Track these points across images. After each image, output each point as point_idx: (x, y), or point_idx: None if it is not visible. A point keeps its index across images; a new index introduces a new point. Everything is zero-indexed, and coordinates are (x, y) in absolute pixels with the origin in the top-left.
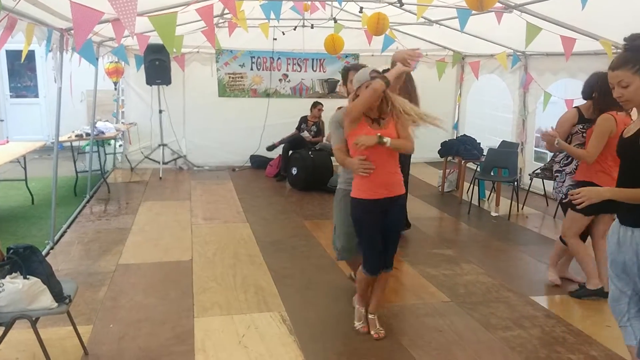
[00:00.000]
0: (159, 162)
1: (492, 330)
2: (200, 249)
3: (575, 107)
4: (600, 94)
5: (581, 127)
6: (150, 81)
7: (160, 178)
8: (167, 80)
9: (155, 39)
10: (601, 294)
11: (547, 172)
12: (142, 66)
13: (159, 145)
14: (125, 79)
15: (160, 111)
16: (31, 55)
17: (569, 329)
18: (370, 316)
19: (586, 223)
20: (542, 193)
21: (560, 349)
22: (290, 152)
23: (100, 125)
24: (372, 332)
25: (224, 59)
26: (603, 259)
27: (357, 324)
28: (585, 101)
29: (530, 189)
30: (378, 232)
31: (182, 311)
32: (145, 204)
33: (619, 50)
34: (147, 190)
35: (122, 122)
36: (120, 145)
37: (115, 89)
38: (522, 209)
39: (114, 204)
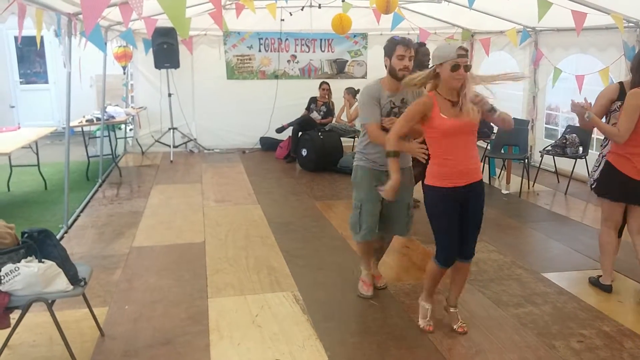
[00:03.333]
0: (169, 146)
1: (503, 307)
2: (212, 230)
3: (619, 81)
4: (634, 68)
5: (620, 103)
6: (158, 65)
7: (171, 161)
8: (175, 64)
9: (162, 22)
10: (608, 290)
11: (557, 149)
12: (151, 50)
13: (169, 129)
14: (134, 63)
15: (170, 95)
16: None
17: (580, 305)
18: (452, 310)
19: (617, 211)
20: (553, 170)
21: (572, 325)
22: (300, 133)
23: (110, 109)
24: (455, 327)
25: (231, 41)
26: None
27: (423, 322)
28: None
29: (541, 166)
30: (456, 222)
31: (196, 292)
32: (156, 187)
33: (630, 24)
34: (159, 174)
35: (132, 107)
36: (130, 130)
37: (124, 73)
38: (533, 186)
39: (126, 188)
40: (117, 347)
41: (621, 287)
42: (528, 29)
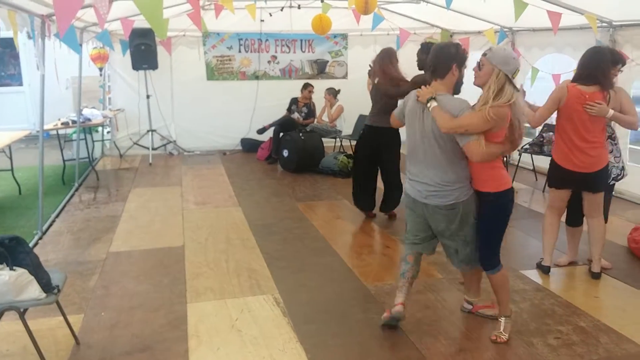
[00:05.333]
0: (148, 148)
1: None
2: (192, 234)
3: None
4: (579, 64)
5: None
6: (136, 66)
7: (150, 164)
8: (153, 65)
9: (139, 23)
10: (546, 271)
11: (535, 147)
12: (128, 51)
13: (148, 131)
14: (111, 64)
15: (148, 96)
16: (13, 42)
17: (557, 301)
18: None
19: (559, 199)
20: (531, 168)
21: (549, 321)
22: (281, 134)
23: (86, 112)
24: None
25: (211, 42)
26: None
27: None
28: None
29: (520, 165)
30: None
31: (175, 297)
32: (135, 191)
33: (603, 24)
34: (137, 177)
35: (109, 109)
36: (108, 132)
37: (101, 74)
38: (512, 184)
39: (104, 192)
40: (93, 355)
41: (595, 281)
42: (505, 29)
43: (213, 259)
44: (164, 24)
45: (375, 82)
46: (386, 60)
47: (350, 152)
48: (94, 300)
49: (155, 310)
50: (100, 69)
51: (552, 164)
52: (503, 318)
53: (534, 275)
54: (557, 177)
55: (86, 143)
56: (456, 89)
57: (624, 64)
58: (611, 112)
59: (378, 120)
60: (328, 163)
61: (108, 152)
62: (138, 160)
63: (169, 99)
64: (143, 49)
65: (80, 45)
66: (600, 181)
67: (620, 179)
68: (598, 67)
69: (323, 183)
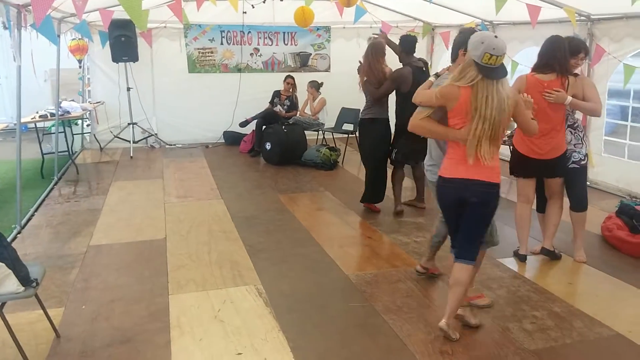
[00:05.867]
0: (129, 141)
1: None
2: (174, 227)
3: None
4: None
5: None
6: (116, 58)
7: (131, 157)
8: (134, 57)
9: (119, 14)
10: (522, 259)
11: (512, 140)
12: (107, 43)
13: (129, 124)
14: (90, 56)
15: (129, 89)
16: None
17: (533, 287)
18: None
19: (527, 187)
20: (508, 159)
21: (525, 307)
22: (264, 127)
23: (65, 104)
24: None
25: (192, 34)
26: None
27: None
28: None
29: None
30: None
31: (157, 289)
32: (116, 184)
33: (582, 18)
34: (118, 170)
35: (89, 101)
36: (87, 125)
37: (80, 66)
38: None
39: (84, 185)
40: (74, 348)
41: (570, 269)
42: (486, 23)
43: (195, 251)
44: (144, 15)
45: (364, 79)
46: (372, 57)
47: (332, 144)
48: (74, 293)
49: (136, 303)
50: (80, 61)
51: (514, 152)
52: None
53: (510, 263)
54: (518, 165)
55: (65, 136)
56: None
57: (587, 53)
58: (569, 99)
59: (370, 112)
60: (311, 156)
61: (88, 146)
62: (119, 153)
63: (150, 91)
64: (123, 41)
65: (58, 36)
66: (559, 167)
67: (585, 165)
68: (554, 56)
69: (305, 175)
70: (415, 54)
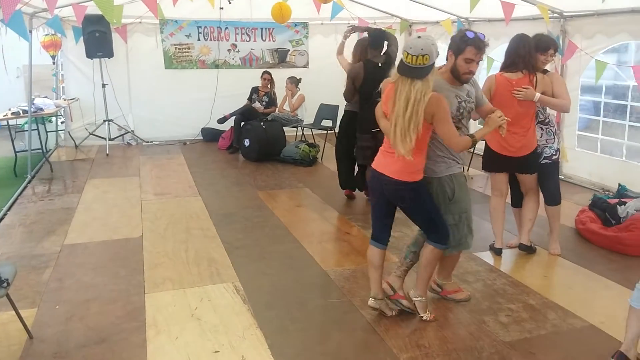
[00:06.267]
0: (105, 139)
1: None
2: (150, 225)
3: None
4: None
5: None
6: (90, 54)
7: (107, 155)
8: (109, 53)
9: (93, 9)
10: (498, 252)
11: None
12: (81, 38)
13: (104, 121)
14: (64, 52)
15: (104, 85)
16: None
17: (509, 281)
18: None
19: (500, 182)
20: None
21: (501, 300)
22: (242, 123)
23: (38, 101)
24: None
25: (168, 30)
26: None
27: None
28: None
29: (475, 151)
30: None
31: (133, 288)
32: (91, 182)
33: (555, 15)
34: (94, 168)
35: (63, 98)
36: (62, 122)
37: (54, 63)
38: (468, 170)
39: (58, 184)
40: (47, 349)
41: (545, 261)
42: (462, 20)
43: (172, 249)
44: (117, 10)
45: None
46: (355, 53)
47: (311, 141)
48: (47, 293)
49: (112, 302)
50: (53, 57)
51: (486, 148)
52: (420, 297)
53: (487, 257)
54: (490, 161)
55: (39, 133)
56: (454, 75)
57: (556, 49)
58: (538, 95)
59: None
60: (289, 152)
61: (63, 143)
62: (94, 151)
63: (126, 88)
64: (97, 37)
65: (30, 32)
66: (530, 164)
67: (557, 160)
68: (518, 54)
69: (284, 172)
70: (383, 50)
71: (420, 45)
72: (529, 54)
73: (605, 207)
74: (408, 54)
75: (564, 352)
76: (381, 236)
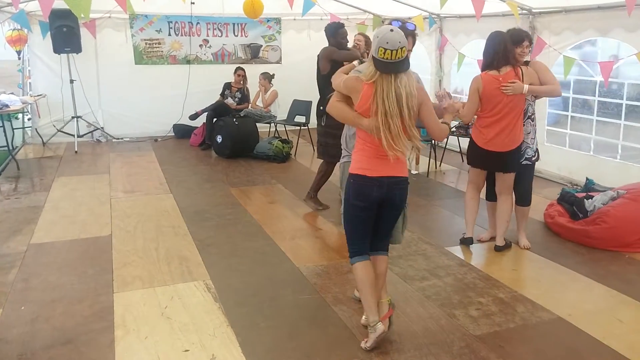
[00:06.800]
0: (73, 136)
1: (409, 281)
2: (120, 223)
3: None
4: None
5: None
6: (58, 49)
7: (76, 152)
8: (77, 48)
9: (60, 3)
10: (467, 242)
11: (461, 130)
12: (49, 33)
13: (73, 118)
14: (30, 47)
15: (72, 81)
16: None
17: (479, 275)
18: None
19: (478, 176)
20: (458, 150)
21: (471, 294)
22: (215, 119)
23: (3, 98)
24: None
25: (138, 25)
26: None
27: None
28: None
29: (447, 147)
30: None
31: (101, 287)
32: (59, 180)
33: (524, 11)
34: (62, 165)
35: (30, 94)
36: (29, 119)
37: (20, 58)
38: (440, 166)
39: (25, 182)
40: (12, 350)
41: (514, 255)
42: (433, 16)
43: (142, 247)
44: (84, 4)
45: None
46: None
47: (285, 137)
48: (13, 294)
49: (79, 302)
50: (19, 52)
51: (471, 143)
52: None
53: (457, 251)
54: (473, 156)
55: (4, 131)
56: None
57: (530, 41)
58: (526, 87)
59: None
60: (263, 148)
61: (30, 140)
62: (63, 148)
63: (95, 83)
64: (65, 31)
65: None
66: (512, 161)
67: (535, 161)
68: (495, 52)
69: (257, 168)
70: (331, 40)
71: (397, 38)
72: (505, 49)
73: (573, 201)
74: (385, 49)
75: (533, 345)
76: (366, 247)
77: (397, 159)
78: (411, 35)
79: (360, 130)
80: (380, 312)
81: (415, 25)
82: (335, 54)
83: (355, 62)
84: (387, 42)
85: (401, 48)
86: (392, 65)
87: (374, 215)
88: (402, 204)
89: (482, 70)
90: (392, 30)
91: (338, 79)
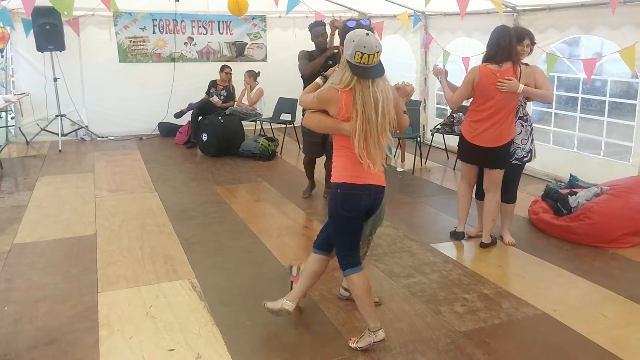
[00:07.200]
0: (57, 134)
1: (395, 278)
2: (104, 222)
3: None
4: (487, 45)
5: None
6: (41, 47)
7: (60, 151)
8: (60, 46)
9: (42, 0)
10: (459, 237)
11: (446, 127)
12: (31, 31)
13: (57, 116)
14: (13, 45)
15: (55, 79)
16: None
17: (464, 271)
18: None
19: (469, 171)
20: (443, 147)
21: (457, 290)
22: (200, 117)
23: None
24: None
25: (122, 22)
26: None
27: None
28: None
29: (433, 144)
30: None
31: (85, 287)
32: (43, 179)
33: (508, 9)
34: (46, 165)
35: (13, 93)
36: (12, 118)
37: (2, 56)
38: (425, 163)
39: (8, 181)
40: None
41: (499, 252)
42: (418, 13)
43: (127, 246)
44: (68, 1)
45: None
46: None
47: (270, 135)
48: None
49: (63, 302)
50: (1, 50)
51: (461, 138)
52: (366, 330)
53: (443, 248)
54: (463, 151)
55: None
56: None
57: (532, 39)
58: (522, 86)
59: None
60: (248, 146)
61: (13, 139)
62: (47, 147)
63: (79, 82)
64: (48, 29)
65: None
66: (501, 158)
67: (526, 161)
68: (500, 46)
69: (243, 166)
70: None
71: (374, 42)
72: (510, 45)
73: (557, 198)
74: (363, 54)
75: (518, 341)
76: (358, 258)
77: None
78: (369, 30)
79: (339, 138)
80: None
81: (369, 20)
82: (299, 63)
83: (319, 80)
84: (365, 47)
85: (377, 52)
86: (371, 69)
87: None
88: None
89: (482, 62)
90: (367, 34)
91: (307, 99)
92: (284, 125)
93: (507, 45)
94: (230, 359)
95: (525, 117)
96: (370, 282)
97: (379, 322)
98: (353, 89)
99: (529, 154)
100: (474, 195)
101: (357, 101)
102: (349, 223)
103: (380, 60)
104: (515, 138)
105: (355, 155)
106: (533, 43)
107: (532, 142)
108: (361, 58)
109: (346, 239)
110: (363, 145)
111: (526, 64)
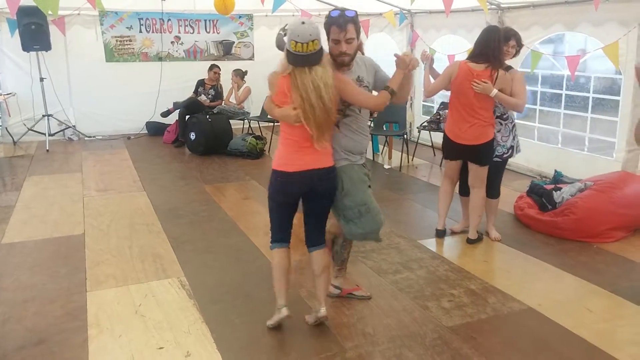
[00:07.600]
0: (44, 134)
1: (383, 274)
2: (93, 221)
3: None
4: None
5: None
6: (26, 47)
7: (48, 151)
8: (46, 46)
9: (28, 0)
10: (439, 234)
11: (433, 125)
12: (17, 31)
13: (43, 116)
14: None
15: (42, 79)
16: None
17: (451, 267)
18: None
19: (451, 168)
20: (430, 144)
21: (443, 286)
22: (187, 116)
23: None
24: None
25: (109, 22)
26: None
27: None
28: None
29: (419, 141)
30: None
31: (74, 287)
32: (30, 179)
33: (492, 6)
34: (33, 165)
35: None
36: None
37: None
38: (412, 160)
39: None
40: None
41: (485, 247)
42: (404, 11)
43: (115, 245)
44: (53, 2)
45: None
46: None
47: (258, 133)
48: None
49: (51, 302)
50: None
51: (444, 136)
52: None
53: (430, 244)
54: (446, 148)
55: None
56: (333, 59)
57: (518, 40)
58: (495, 91)
59: None
60: (236, 145)
61: (0, 140)
62: (34, 147)
63: (66, 81)
64: (33, 29)
65: None
66: (483, 155)
67: (507, 157)
68: (488, 46)
69: (232, 165)
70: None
71: (307, 31)
72: (498, 48)
73: (542, 193)
74: (297, 42)
75: (504, 335)
76: (287, 236)
77: (323, 149)
78: (352, 22)
79: (283, 124)
80: (312, 319)
81: (355, 12)
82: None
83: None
84: (298, 35)
85: (312, 41)
86: (304, 57)
87: (296, 206)
88: (332, 194)
89: (467, 58)
90: (303, 22)
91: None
92: (272, 124)
93: (496, 48)
94: (220, 357)
95: (504, 116)
96: (291, 261)
97: (285, 299)
98: (291, 76)
99: (510, 150)
100: (457, 192)
101: (300, 89)
102: (278, 207)
103: (320, 48)
104: (495, 136)
105: (294, 140)
106: (520, 45)
107: (514, 139)
108: (295, 46)
109: (275, 219)
110: (314, 128)
111: (509, 67)
